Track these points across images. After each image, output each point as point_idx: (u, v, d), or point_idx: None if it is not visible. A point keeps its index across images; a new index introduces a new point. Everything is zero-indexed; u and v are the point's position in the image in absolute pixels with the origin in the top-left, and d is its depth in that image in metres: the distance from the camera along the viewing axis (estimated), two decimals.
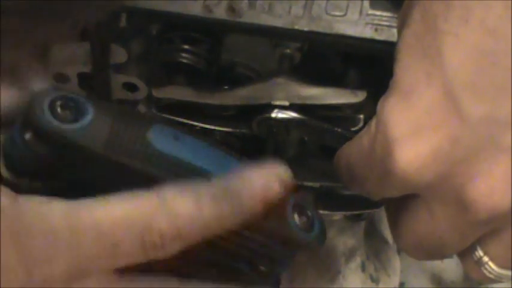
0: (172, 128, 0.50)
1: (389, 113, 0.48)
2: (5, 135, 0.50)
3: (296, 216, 0.51)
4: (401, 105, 0.48)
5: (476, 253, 0.51)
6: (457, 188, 0.47)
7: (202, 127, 0.65)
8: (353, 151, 0.52)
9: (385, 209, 0.56)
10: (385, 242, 0.81)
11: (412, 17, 0.49)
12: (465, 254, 0.52)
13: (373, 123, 0.50)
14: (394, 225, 0.53)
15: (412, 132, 0.47)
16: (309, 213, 0.52)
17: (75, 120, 0.48)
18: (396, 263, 0.82)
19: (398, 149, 0.47)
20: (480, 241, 0.50)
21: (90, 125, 0.48)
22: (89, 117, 0.49)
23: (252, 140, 0.66)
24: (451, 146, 0.46)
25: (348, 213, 0.72)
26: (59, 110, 0.48)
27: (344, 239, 0.78)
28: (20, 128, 0.49)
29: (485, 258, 0.51)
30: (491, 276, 0.51)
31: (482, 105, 0.46)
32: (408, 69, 0.48)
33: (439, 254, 0.53)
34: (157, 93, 0.61)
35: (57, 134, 0.48)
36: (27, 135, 0.48)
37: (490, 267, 0.51)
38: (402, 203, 0.52)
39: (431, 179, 0.47)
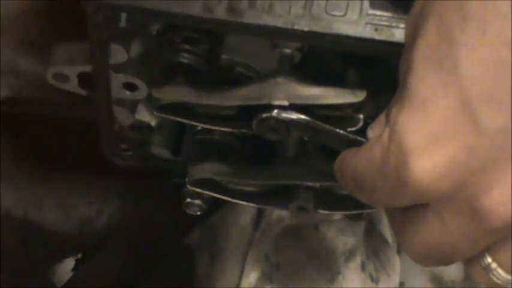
0: None
1: (405, 124, 0.47)
2: None
3: None
4: (417, 115, 0.47)
5: (485, 259, 0.51)
6: (472, 198, 0.47)
7: (202, 127, 0.65)
8: (361, 161, 0.52)
9: (389, 218, 0.55)
10: (385, 241, 0.82)
11: (427, 28, 0.48)
12: (472, 260, 0.51)
13: (385, 133, 0.49)
14: (401, 234, 0.53)
15: (428, 142, 0.47)
16: None
17: None
18: (396, 262, 0.82)
19: (414, 160, 0.47)
20: (489, 248, 0.50)
21: None
22: None
23: (252, 140, 0.66)
24: (467, 156, 0.46)
25: (348, 213, 0.72)
26: None
27: (344, 239, 0.78)
28: None
29: (494, 265, 0.50)
30: (498, 282, 0.51)
31: (499, 116, 0.45)
32: (423, 80, 0.48)
33: (448, 261, 0.52)
34: (157, 93, 0.61)
35: None
36: None
37: (498, 273, 0.50)
38: (410, 213, 0.51)
39: (446, 189, 0.47)
